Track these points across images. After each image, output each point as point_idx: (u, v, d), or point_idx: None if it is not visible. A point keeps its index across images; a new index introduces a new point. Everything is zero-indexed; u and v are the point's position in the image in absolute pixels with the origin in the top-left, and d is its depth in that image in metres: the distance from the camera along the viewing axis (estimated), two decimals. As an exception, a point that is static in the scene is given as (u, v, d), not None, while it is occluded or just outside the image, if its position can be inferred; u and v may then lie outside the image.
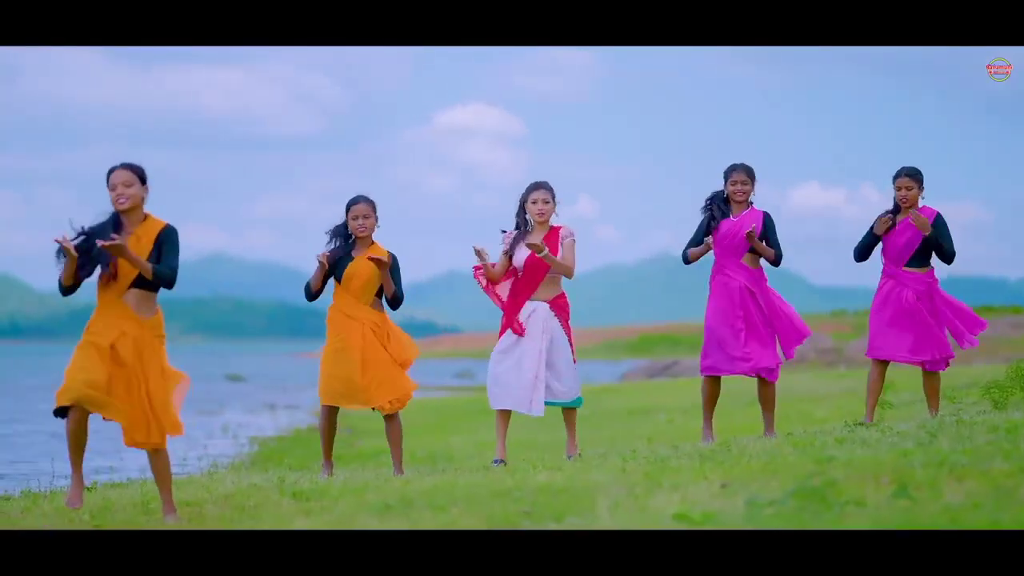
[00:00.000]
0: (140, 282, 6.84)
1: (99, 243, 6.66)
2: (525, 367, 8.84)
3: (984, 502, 5.10)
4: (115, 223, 6.88)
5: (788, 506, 5.13)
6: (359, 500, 6.75)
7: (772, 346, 9.31)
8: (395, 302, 8.69)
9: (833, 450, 6.82)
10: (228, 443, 18.30)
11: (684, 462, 7.05)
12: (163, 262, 6.80)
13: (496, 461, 8.79)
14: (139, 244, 6.81)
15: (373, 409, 8.63)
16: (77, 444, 6.84)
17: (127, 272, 6.79)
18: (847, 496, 5.28)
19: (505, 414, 8.96)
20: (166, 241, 6.85)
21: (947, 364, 9.62)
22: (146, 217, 6.90)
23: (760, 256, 9.31)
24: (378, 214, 8.69)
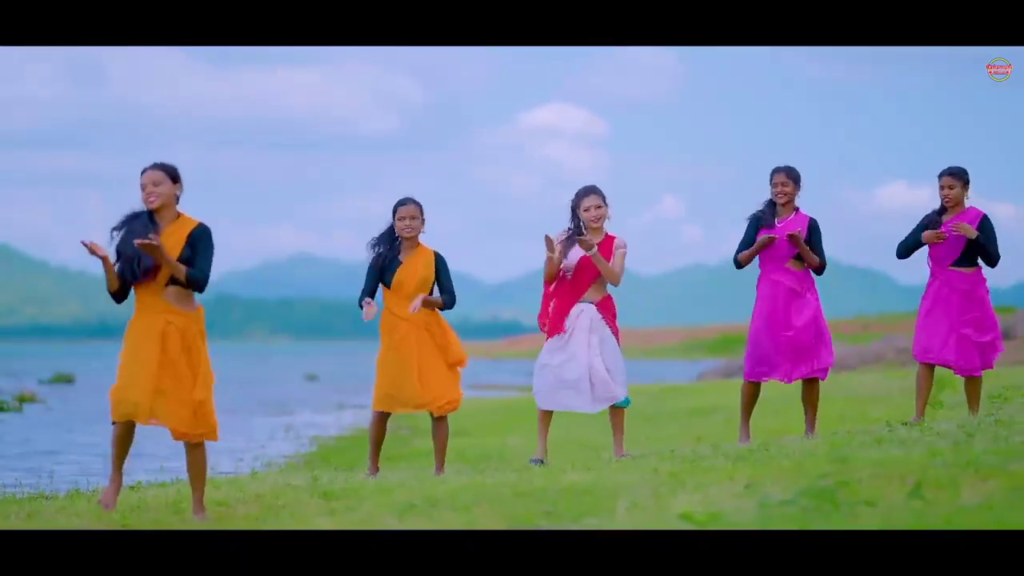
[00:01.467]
0: (176, 279, 6.89)
1: (136, 242, 6.72)
2: (576, 365, 8.74)
3: (999, 503, 5.02)
4: (150, 221, 6.92)
5: (798, 506, 5.09)
6: (385, 500, 6.77)
7: (820, 347, 9.11)
8: (450, 306, 8.54)
9: (870, 450, 6.73)
10: (289, 443, 18.32)
11: (718, 462, 7.00)
12: (196, 266, 6.84)
13: (534, 460, 8.72)
14: (169, 242, 6.86)
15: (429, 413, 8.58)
16: (122, 449, 6.94)
17: (165, 269, 6.84)
18: (861, 496, 5.23)
19: (547, 414, 8.88)
20: (199, 240, 6.88)
21: (988, 367, 9.36)
22: (179, 215, 6.96)
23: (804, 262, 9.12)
24: (424, 216, 8.52)
